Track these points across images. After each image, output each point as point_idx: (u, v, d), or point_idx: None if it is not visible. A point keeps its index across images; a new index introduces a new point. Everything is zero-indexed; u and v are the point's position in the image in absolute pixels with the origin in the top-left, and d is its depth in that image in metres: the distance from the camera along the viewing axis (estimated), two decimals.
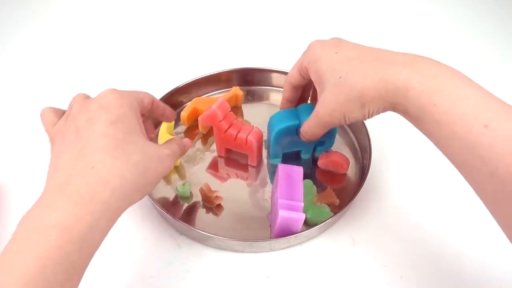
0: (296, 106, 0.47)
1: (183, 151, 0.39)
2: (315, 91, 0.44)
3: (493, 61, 0.69)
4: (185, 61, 0.67)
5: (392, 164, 0.52)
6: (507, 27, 0.76)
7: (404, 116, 0.36)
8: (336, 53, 0.39)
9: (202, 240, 0.43)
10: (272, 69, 0.59)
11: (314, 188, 0.47)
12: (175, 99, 0.56)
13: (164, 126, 0.51)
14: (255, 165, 0.50)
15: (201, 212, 0.46)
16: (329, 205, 0.46)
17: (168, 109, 0.42)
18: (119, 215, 0.32)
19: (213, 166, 0.51)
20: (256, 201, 0.47)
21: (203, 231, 0.42)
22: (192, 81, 0.57)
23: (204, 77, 0.58)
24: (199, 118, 0.51)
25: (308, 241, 0.44)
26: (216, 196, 0.46)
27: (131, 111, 0.34)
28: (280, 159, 0.50)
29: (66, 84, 0.63)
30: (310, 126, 0.43)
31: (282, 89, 0.50)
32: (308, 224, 0.44)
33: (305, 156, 0.51)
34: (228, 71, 0.59)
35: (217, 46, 0.71)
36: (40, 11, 0.77)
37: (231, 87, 0.58)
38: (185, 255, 0.43)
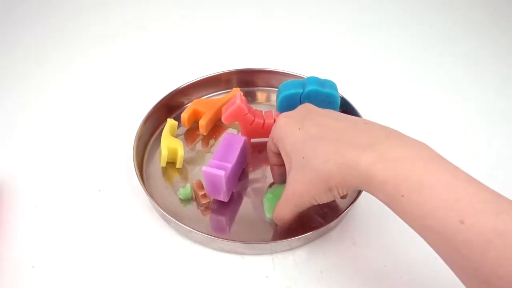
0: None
1: None
2: None
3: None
4: (185, 63, 0.67)
5: None
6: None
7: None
8: (299, 129, 0.38)
9: (204, 243, 0.44)
10: (272, 70, 0.59)
11: None
12: (175, 100, 0.57)
13: (167, 128, 0.51)
14: None
15: (202, 214, 0.46)
16: None
17: None
18: None
19: None
20: (258, 202, 0.47)
21: (205, 233, 0.42)
22: (192, 82, 0.57)
23: (204, 78, 0.58)
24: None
25: (309, 243, 0.44)
26: (203, 195, 0.46)
27: None
28: None
29: (67, 85, 0.63)
30: (280, 209, 0.41)
31: None
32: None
33: None
34: (228, 72, 0.59)
35: (217, 47, 0.71)
36: (43, 9, 0.77)
37: (231, 89, 0.58)
38: (185, 256, 0.43)
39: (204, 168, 0.43)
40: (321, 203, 0.38)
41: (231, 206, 0.47)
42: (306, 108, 0.41)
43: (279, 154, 0.43)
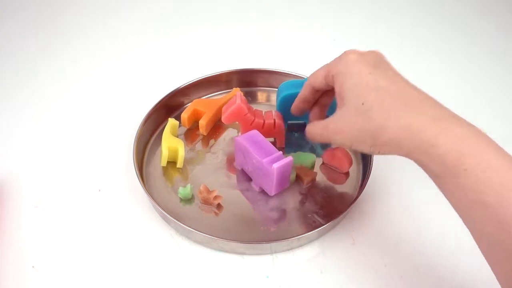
0: (310, 109, 0.47)
1: None
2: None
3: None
4: (185, 63, 0.67)
5: (393, 164, 0.52)
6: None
7: (419, 166, 0.34)
8: (370, 73, 0.36)
9: (204, 242, 0.44)
10: (272, 70, 0.59)
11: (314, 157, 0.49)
12: (175, 100, 0.57)
13: (168, 128, 0.51)
14: (283, 146, 0.52)
15: (202, 214, 0.46)
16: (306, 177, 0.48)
17: None
18: None
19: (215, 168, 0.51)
20: (258, 202, 0.47)
21: (205, 233, 0.42)
22: (192, 82, 0.57)
23: (204, 78, 0.58)
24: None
25: (309, 243, 0.44)
26: (216, 196, 0.46)
27: None
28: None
29: (67, 85, 0.63)
30: (316, 132, 0.41)
31: None
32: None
33: None
34: (228, 72, 0.59)
35: (217, 47, 0.71)
36: (44, 11, 0.77)
37: (231, 89, 0.59)
38: (185, 256, 0.43)
39: (275, 165, 0.42)
40: (352, 149, 0.38)
41: (233, 206, 0.47)
42: (378, 55, 0.39)
43: (316, 92, 0.43)
